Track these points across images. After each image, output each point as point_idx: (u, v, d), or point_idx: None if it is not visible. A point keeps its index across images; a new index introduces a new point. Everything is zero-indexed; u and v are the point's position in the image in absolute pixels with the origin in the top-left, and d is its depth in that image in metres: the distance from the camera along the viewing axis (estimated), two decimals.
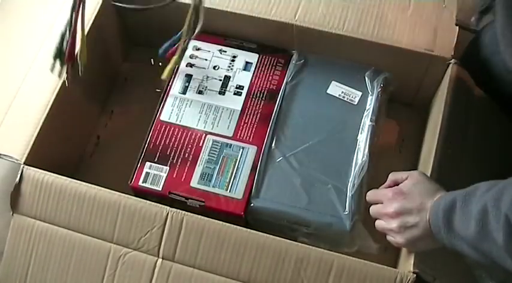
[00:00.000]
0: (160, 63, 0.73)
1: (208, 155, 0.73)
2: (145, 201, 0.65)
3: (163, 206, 0.64)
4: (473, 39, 0.75)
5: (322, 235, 0.70)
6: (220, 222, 0.63)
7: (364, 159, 0.71)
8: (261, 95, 0.76)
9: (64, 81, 0.71)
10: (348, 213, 0.69)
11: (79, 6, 0.65)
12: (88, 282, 0.65)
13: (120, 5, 0.76)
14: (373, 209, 0.64)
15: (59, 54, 0.66)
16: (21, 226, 0.66)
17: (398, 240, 0.60)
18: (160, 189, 0.71)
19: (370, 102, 0.75)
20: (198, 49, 0.79)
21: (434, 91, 0.78)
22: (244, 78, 0.77)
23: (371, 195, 0.66)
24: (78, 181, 0.66)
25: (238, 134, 0.74)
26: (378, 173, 0.74)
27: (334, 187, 0.70)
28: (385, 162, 0.77)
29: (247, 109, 0.75)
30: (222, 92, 0.77)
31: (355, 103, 0.76)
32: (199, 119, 0.75)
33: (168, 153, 0.73)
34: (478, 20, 0.72)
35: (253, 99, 0.76)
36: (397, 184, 0.63)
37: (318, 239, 0.70)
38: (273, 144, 0.73)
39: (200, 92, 0.77)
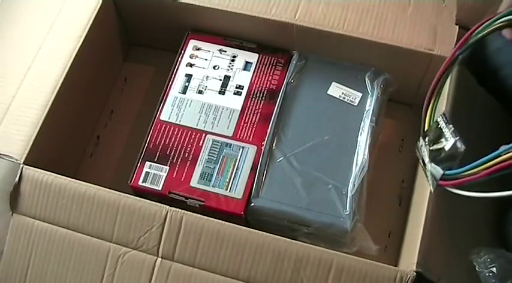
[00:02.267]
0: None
1: (208, 155, 0.73)
2: (144, 200, 0.65)
3: (162, 205, 0.64)
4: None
5: (322, 236, 0.70)
6: (220, 221, 0.63)
7: (364, 159, 0.71)
8: (261, 95, 0.76)
9: (63, 81, 0.72)
10: (349, 213, 0.69)
11: None
12: (87, 282, 0.64)
13: None
14: None
15: None
16: (21, 226, 0.66)
17: None
18: (160, 188, 0.71)
19: (370, 103, 0.75)
20: (198, 49, 0.79)
21: None
22: (244, 78, 0.77)
23: None
24: (78, 181, 0.66)
25: (238, 134, 0.74)
26: (378, 173, 0.74)
27: (334, 187, 0.70)
28: (385, 162, 0.78)
29: (247, 109, 0.75)
30: (222, 92, 0.77)
31: (356, 104, 0.75)
32: (199, 119, 0.75)
33: (168, 152, 0.73)
34: None
35: (253, 99, 0.76)
36: None
37: (318, 239, 0.69)
38: (274, 144, 0.73)
39: (200, 92, 0.77)
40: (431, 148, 0.61)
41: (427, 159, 0.61)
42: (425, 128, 0.63)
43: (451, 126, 0.60)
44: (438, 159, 0.60)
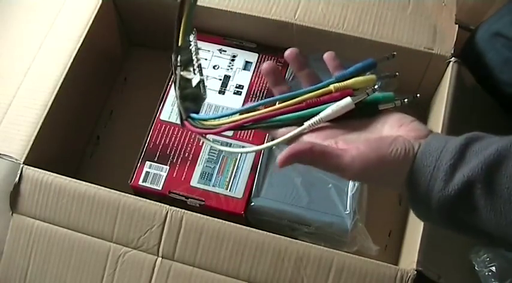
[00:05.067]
0: None
1: (208, 154, 0.73)
2: (144, 200, 0.64)
3: (162, 205, 0.64)
4: (470, 36, 0.75)
5: (322, 235, 0.70)
6: (220, 221, 0.63)
7: None
8: (261, 94, 0.76)
9: (64, 81, 0.72)
10: (349, 212, 0.69)
11: None
12: (87, 281, 0.64)
13: None
14: None
15: None
16: (21, 226, 0.66)
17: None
18: (160, 188, 0.71)
19: None
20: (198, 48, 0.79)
21: (434, 90, 0.77)
22: (244, 78, 0.77)
23: None
24: (78, 181, 0.66)
25: (238, 133, 0.74)
26: None
27: (334, 187, 0.70)
28: None
29: None
30: (222, 92, 0.77)
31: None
32: None
33: (168, 152, 0.73)
34: None
35: (253, 98, 0.76)
36: None
37: (319, 238, 0.69)
38: None
39: None
40: (181, 73, 0.55)
41: (177, 84, 0.55)
42: (179, 43, 0.54)
43: (199, 57, 0.56)
44: (185, 92, 0.55)
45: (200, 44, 0.80)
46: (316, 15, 0.74)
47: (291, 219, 0.70)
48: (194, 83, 0.56)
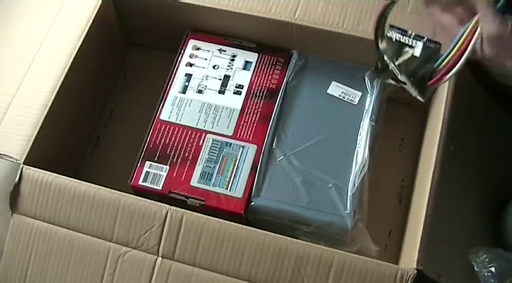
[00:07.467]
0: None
1: (208, 154, 0.73)
2: (144, 199, 0.65)
3: (162, 205, 0.64)
4: None
5: (322, 235, 0.70)
6: (220, 220, 0.63)
7: (364, 158, 0.71)
8: (261, 94, 0.76)
9: (64, 81, 0.72)
10: (349, 212, 0.69)
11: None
12: (87, 281, 0.64)
13: None
14: None
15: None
16: (21, 226, 0.66)
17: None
18: (160, 188, 0.71)
19: (370, 102, 0.75)
20: (198, 48, 0.79)
21: (434, 90, 0.77)
22: (244, 78, 0.77)
23: None
24: (78, 181, 0.66)
25: (238, 133, 0.74)
26: (378, 172, 0.74)
27: (334, 186, 0.70)
28: (385, 161, 0.77)
29: (247, 108, 0.75)
30: (221, 91, 0.77)
31: (355, 103, 0.75)
32: (199, 118, 0.75)
33: (168, 152, 0.73)
34: None
35: (253, 98, 0.76)
36: None
37: (319, 238, 0.69)
38: (274, 143, 0.73)
39: (200, 92, 0.77)
40: (397, 63, 0.60)
41: (402, 77, 0.60)
42: (378, 50, 0.62)
43: (409, 32, 0.60)
44: (412, 69, 0.59)
45: (200, 44, 0.80)
46: (316, 14, 0.74)
47: (291, 219, 0.70)
48: (418, 52, 0.59)
